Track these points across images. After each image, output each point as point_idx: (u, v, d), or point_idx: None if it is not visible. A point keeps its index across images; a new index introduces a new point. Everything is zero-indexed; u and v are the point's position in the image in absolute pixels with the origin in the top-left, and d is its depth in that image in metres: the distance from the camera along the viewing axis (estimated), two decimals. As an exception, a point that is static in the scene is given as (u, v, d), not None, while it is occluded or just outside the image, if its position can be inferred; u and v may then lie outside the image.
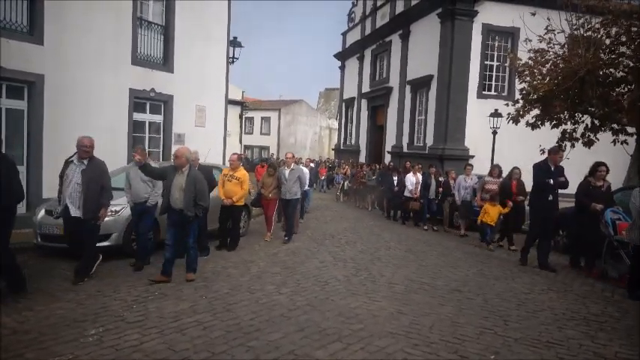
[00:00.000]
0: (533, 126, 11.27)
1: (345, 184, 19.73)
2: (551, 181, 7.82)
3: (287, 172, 9.79)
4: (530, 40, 10.77)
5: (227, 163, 13.63)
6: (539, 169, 8.05)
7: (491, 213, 10.02)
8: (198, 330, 4.71)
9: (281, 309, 5.43)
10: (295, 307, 5.54)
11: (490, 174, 11.04)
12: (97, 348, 4.20)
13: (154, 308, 5.29)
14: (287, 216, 9.98)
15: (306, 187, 12.47)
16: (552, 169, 7.98)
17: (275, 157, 32.66)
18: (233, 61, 16.02)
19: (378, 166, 18.37)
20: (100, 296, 5.67)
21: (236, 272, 7.07)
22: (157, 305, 5.39)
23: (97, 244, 6.70)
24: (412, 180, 12.84)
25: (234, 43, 16.01)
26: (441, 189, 12.58)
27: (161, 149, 12.69)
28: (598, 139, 10.70)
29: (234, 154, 9.03)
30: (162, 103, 12.62)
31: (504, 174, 10.83)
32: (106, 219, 6.94)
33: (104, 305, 5.32)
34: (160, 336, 4.52)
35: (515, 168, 10.22)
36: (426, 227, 12.52)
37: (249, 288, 6.25)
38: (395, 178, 13.95)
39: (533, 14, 10.76)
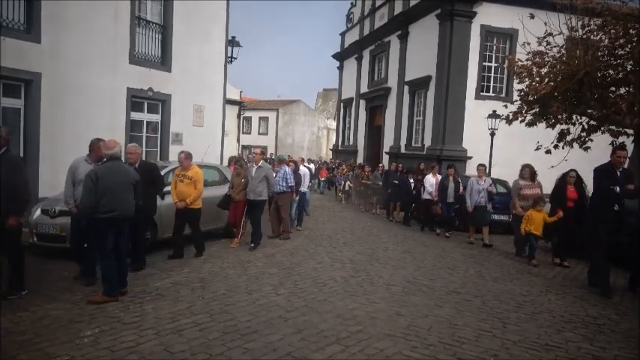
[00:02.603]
0: (530, 124, 11.22)
1: (347, 184, 19.07)
2: (617, 188, 6.64)
3: (254, 169, 9.01)
4: (528, 44, 10.75)
5: (225, 163, 13.64)
6: (602, 173, 6.87)
7: (537, 221, 8.73)
8: (195, 331, 4.68)
9: (279, 310, 5.41)
10: (293, 308, 5.51)
11: (521, 176, 9.68)
12: (93, 349, 4.17)
13: (150, 309, 5.26)
14: (252, 220, 9.14)
15: (305, 190, 11.95)
16: (618, 173, 6.84)
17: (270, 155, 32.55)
18: (231, 61, 15.99)
19: (382, 167, 17.84)
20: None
21: (233, 273, 7.04)
22: (153, 306, 5.37)
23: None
24: (432, 181, 11.98)
25: (232, 42, 15.98)
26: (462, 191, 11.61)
27: (159, 149, 12.64)
28: (592, 140, 10.64)
29: (181, 152, 8.17)
30: (160, 103, 12.59)
31: (494, 175, 10.57)
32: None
33: (100, 306, 5.28)
34: (156, 337, 4.49)
35: (571, 170, 8.81)
36: (447, 234, 11.51)
37: (247, 289, 6.22)
38: (411, 180, 13.28)
39: (532, 17, 10.73)
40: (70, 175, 6.25)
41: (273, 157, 28.68)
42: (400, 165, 15.24)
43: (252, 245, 8.88)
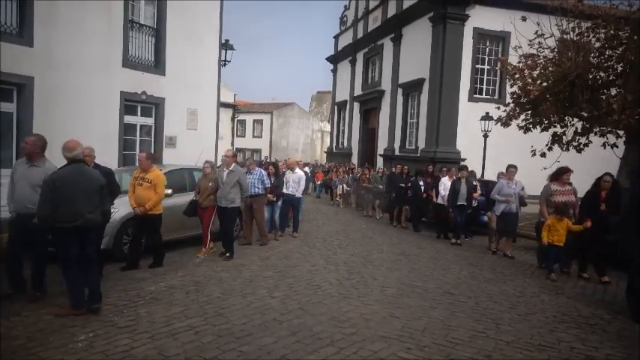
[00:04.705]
0: (523, 129, 11.30)
1: (343, 187, 18.40)
2: None
3: (225, 173, 8.33)
4: (520, 47, 10.84)
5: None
6: None
7: (560, 230, 7.73)
8: (190, 335, 4.68)
9: (273, 313, 5.41)
10: (287, 311, 5.52)
11: (557, 179, 8.28)
12: (87, 354, 4.16)
13: (144, 313, 5.25)
14: (224, 228, 8.46)
15: (299, 195, 10.89)
16: None
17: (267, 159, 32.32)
18: (225, 64, 15.98)
19: (382, 170, 17.27)
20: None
21: (228, 276, 7.03)
22: (147, 310, 5.36)
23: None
24: (447, 185, 11.06)
25: (225, 45, 15.97)
26: (477, 194, 11.01)
27: (152, 152, 12.60)
28: (591, 142, 10.66)
29: (142, 152, 7.66)
30: (153, 106, 12.56)
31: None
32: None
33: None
34: (150, 341, 4.49)
35: (605, 174, 7.75)
36: (456, 241, 10.73)
37: (241, 292, 6.21)
38: (421, 183, 12.65)
39: (524, 19, 10.82)
40: (11, 175, 5.72)
41: (268, 159, 28.66)
42: (406, 167, 14.49)
43: (228, 255, 8.29)
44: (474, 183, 11.33)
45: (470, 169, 11.69)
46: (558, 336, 5.08)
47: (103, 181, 5.44)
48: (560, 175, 8.22)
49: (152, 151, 12.58)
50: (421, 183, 12.72)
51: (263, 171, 9.88)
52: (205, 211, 8.36)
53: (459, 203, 10.67)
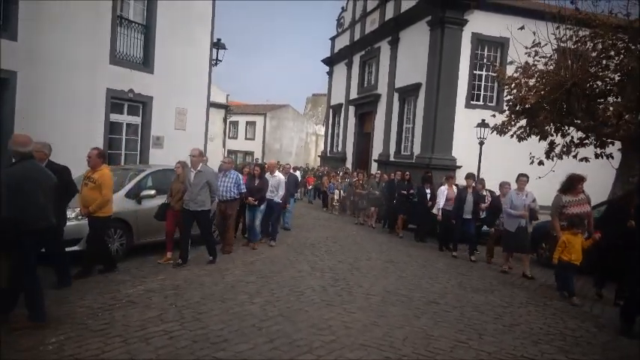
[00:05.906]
0: (520, 138, 11.22)
1: (340, 193, 17.90)
2: None
3: (192, 175, 7.74)
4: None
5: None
6: None
7: (577, 247, 7.06)
8: (164, 340, 4.56)
9: (252, 319, 5.29)
10: (267, 317, 5.40)
11: (567, 190, 7.57)
12: (56, 357, 4.07)
13: (120, 316, 5.13)
14: (187, 234, 7.90)
15: (278, 199, 10.16)
16: None
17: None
18: (216, 64, 15.86)
19: (380, 174, 16.29)
20: (65, 303, 5.47)
21: (209, 280, 6.89)
22: (123, 313, 5.23)
23: (67, 249, 6.42)
24: (446, 195, 10.65)
25: (217, 44, 15.85)
26: (484, 205, 10.23)
27: (138, 152, 12.43)
28: (589, 159, 10.45)
29: (94, 148, 6.88)
30: (141, 105, 12.38)
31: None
32: (75, 223, 6.62)
33: (68, 312, 5.15)
34: (123, 345, 4.38)
35: (635, 192, 7.23)
36: (455, 254, 10.22)
37: (222, 297, 6.08)
38: (428, 191, 12.11)
39: (522, 28, 10.71)
40: None
41: (260, 162, 28.40)
42: (407, 173, 13.79)
43: (212, 259, 8.02)
44: (484, 193, 10.66)
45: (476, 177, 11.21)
46: (542, 348, 4.99)
47: (54, 178, 5.06)
48: (575, 184, 7.51)
49: (137, 152, 12.38)
50: (428, 191, 12.13)
51: (240, 175, 9.38)
52: (178, 214, 7.90)
53: (465, 217, 10.04)
